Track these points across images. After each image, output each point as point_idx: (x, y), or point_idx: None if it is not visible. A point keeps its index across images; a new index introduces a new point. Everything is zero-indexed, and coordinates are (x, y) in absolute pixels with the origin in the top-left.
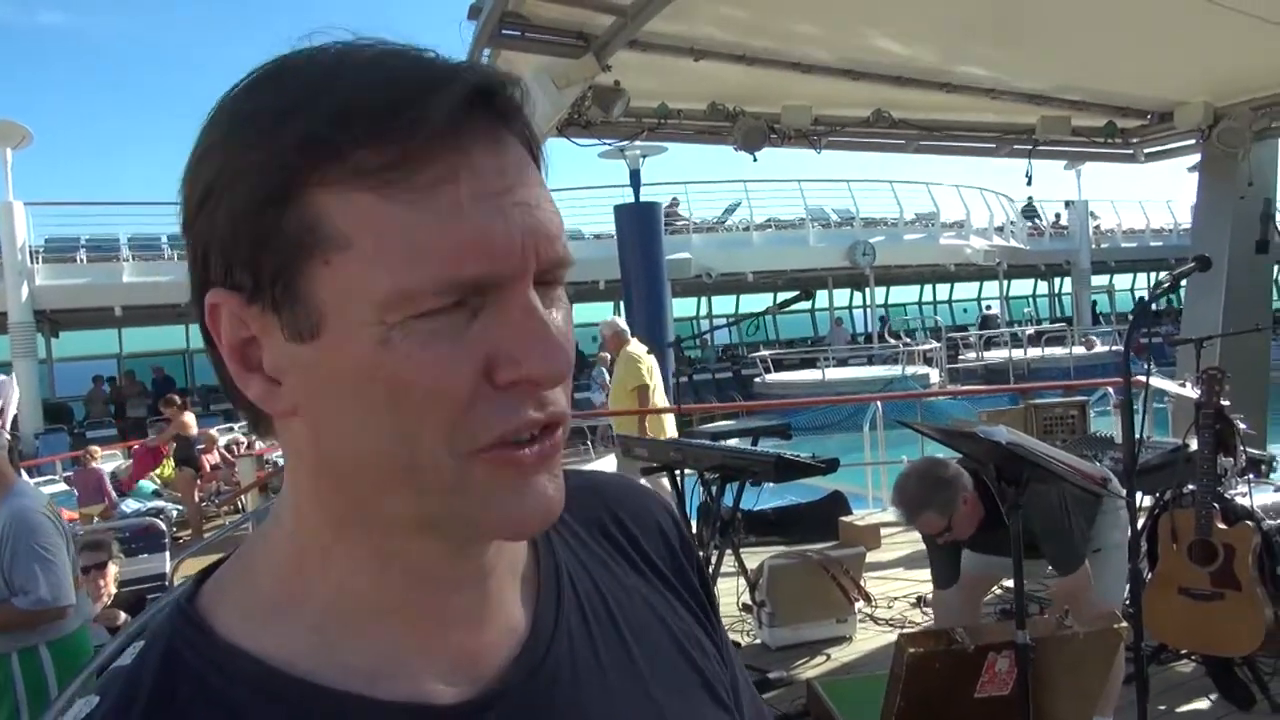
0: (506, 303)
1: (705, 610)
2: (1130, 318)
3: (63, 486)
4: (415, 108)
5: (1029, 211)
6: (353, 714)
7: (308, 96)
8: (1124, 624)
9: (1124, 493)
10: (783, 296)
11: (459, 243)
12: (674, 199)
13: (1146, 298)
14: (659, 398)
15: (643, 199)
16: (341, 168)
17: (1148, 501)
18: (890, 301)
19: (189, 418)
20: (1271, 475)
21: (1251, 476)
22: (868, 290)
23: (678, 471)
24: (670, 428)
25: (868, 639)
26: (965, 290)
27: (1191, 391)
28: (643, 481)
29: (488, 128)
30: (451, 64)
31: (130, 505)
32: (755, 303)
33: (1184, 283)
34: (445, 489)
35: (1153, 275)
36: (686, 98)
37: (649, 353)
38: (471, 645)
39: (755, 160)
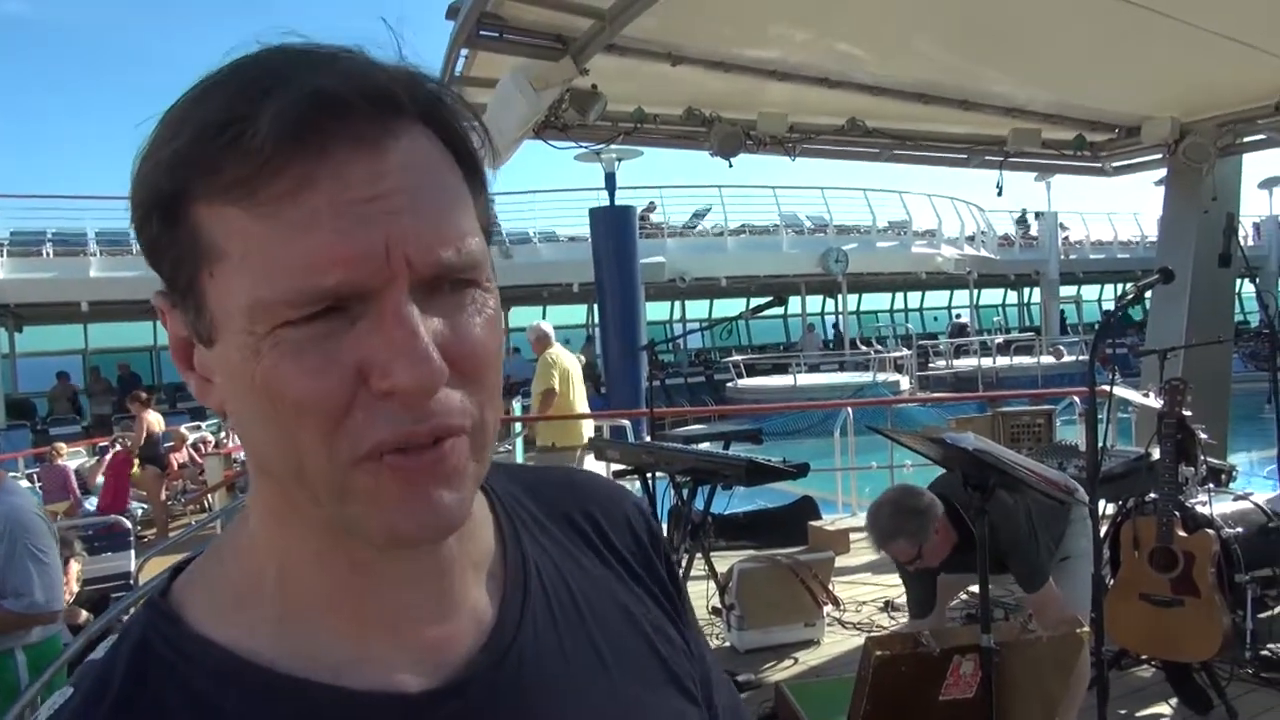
0: (379, 311)
1: (674, 604)
2: (1096, 328)
3: (25, 483)
4: (249, 121)
5: (1022, 222)
6: (321, 703)
7: (191, 110)
8: (1086, 629)
9: (1088, 500)
10: (756, 301)
11: (313, 253)
12: (650, 203)
13: (1112, 309)
14: (578, 402)
15: (618, 202)
16: (208, 183)
17: (1111, 509)
18: (862, 308)
19: (154, 415)
20: (1231, 484)
21: (1212, 485)
22: (840, 297)
23: (649, 474)
24: (588, 432)
25: (836, 643)
26: (936, 299)
27: (1155, 402)
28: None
29: (364, 131)
30: (324, 60)
31: (94, 503)
32: (729, 307)
33: (1148, 294)
34: (332, 497)
35: (1120, 286)
36: (663, 102)
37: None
38: (436, 637)
39: (731, 166)
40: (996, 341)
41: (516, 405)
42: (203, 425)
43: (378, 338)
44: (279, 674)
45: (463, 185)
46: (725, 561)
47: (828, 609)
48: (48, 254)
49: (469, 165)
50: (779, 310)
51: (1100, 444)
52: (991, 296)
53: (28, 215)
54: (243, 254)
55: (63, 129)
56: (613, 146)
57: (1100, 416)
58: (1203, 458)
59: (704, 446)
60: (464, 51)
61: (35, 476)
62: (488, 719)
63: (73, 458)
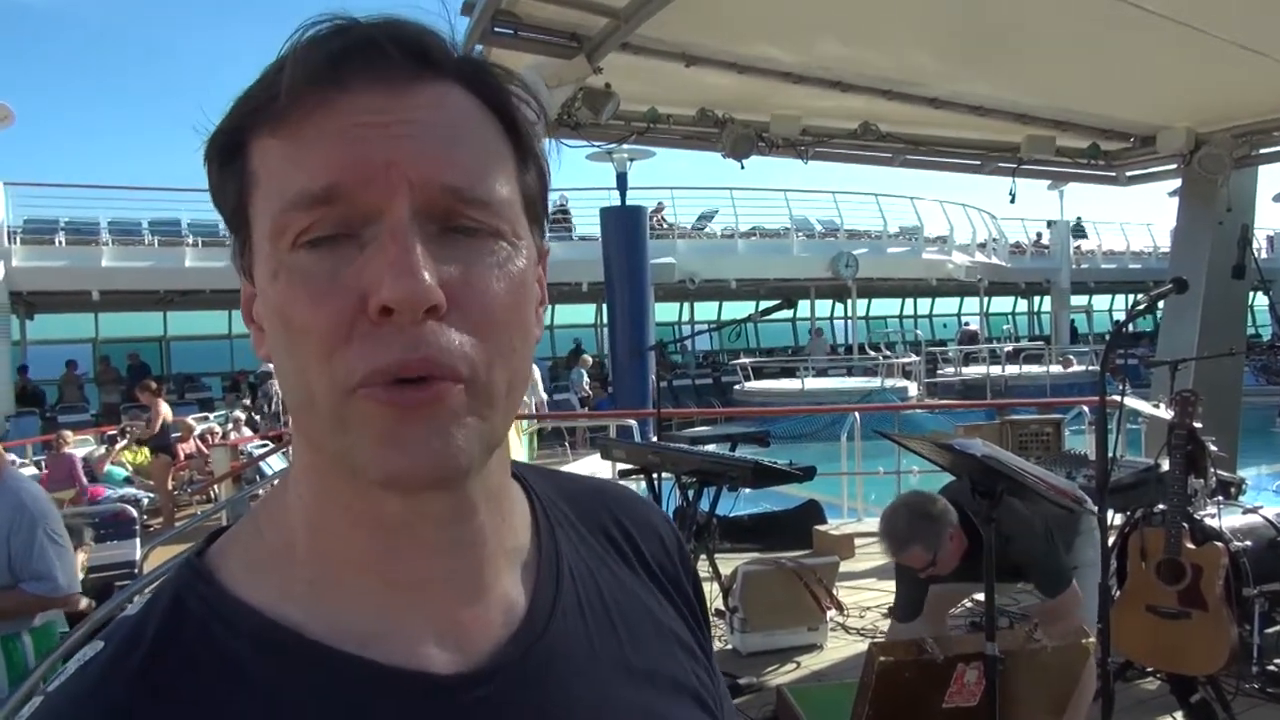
0: (382, 229)
1: (697, 620)
2: (1108, 338)
3: (33, 470)
4: (310, 60)
5: (1079, 231)
6: (347, 675)
7: (263, 77)
8: (1092, 639)
9: (1096, 509)
10: (765, 305)
11: (314, 162)
12: (660, 204)
13: (1124, 319)
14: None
15: (629, 203)
16: (254, 119)
17: (1119, 520)
18: (871, 314)
19: (163, 405)
20: (1241, 497)
21: (1221, 498)
22: (849, 302)
23: (655, 475)
24: (515, 447)
25: (839, 647)
26: (946, 305)
27: (1165, 413)
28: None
29: (386, 73)
30: (373, 22)
31: (108, 491)
32: (738, 309)
33: (1161, 305)
34: (335, 427)
35: (1131, 297)
36: (676, 103)
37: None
38: (464, 617)
39: (743, 168)
40: (1006, 350)
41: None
42: (210, 416)
43: (378, 259)
44: (306, 640)
45: (501, 142)
46: (730, 564)
47: (831, 613)
48: (60, 242)
49: (514, 133)
50: (788, 314)
51: (1109, 454)
52: (1002, 304)
53: (41, 203)
54: (268, 175)
55: (75, 118)
56: (625, 146)
57: (1109, 427)
58: (1212, 470)
59: (710, 448)
60: (478, 48)
61: (42, 464)
62: (512, 709)
63: (80, 445)
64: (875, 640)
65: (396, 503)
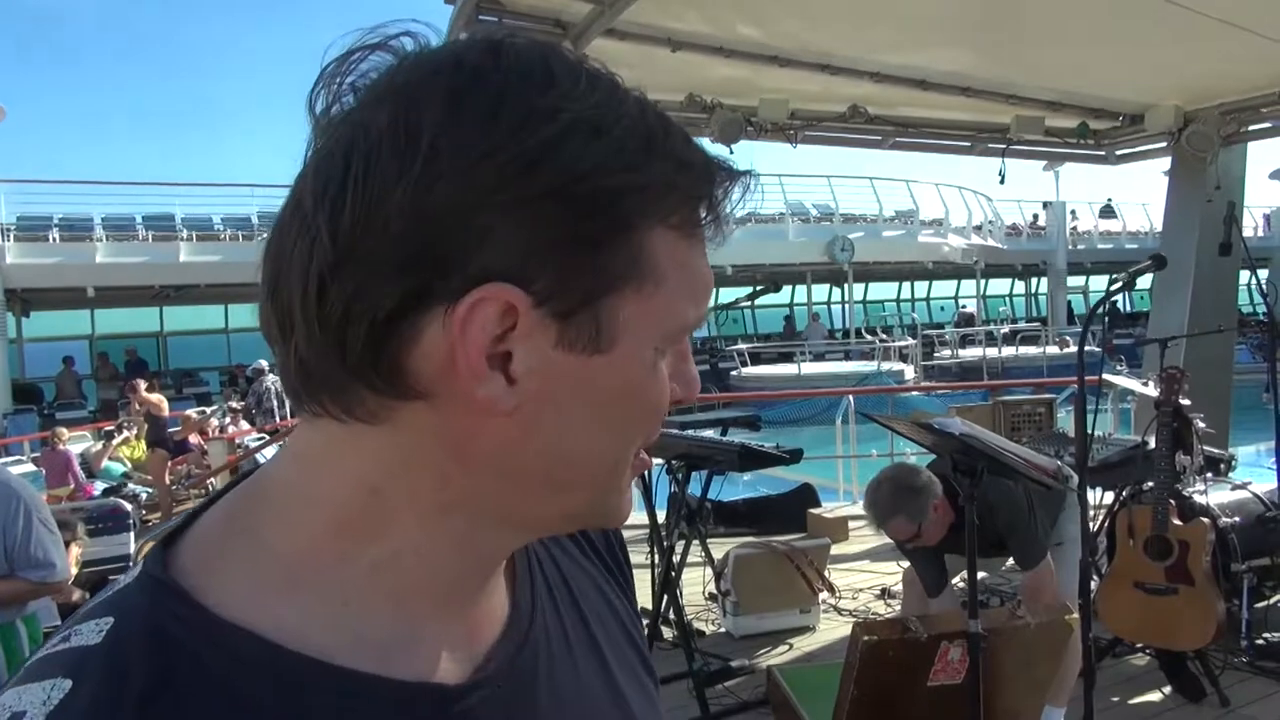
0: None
1: (629, 586)
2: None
3: (30, 467)
4: (721, 177)
5: (1107, 212)
6: (365, 695)
7: (648, 140)
8: (1075, 615)
9: (1076, 484)
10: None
11: (707, 287)
12: None
13: (1105, 296)
14: None
15: None
16: (672, 212)
17: (1109, 497)
18: (868, 298)
19: (159, 398)
20: (1231, 474)
21: (1210, 475)
22: (846, 286)
23: None
24: None
25: (831, 629)
26: (943, 288)
27: (1153, 390)
28: None
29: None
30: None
31: (100, 487)
32: (734, 295)
33: (1149, 283)
34: (612, 487)
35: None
36: (664, 89)
37: None
38: (469, 629)
39: (732, 153)
40: (1002, 331)
41: None
42: (206, 410)
43: (681, 363)
44: (323, 663)
45: None
46: (723, 548)
47: (823, 596)
48: (54, 239)
49: None
50: (785, 299)
51: (1090, 432)
52: (999, 287)
53: (34, 200)
54: (680, 280)
55: (66, 111)
56: None
57: (1091, 407)
58: (1200, 447)
59: (702, 433)
60: (463, 35)
61: (38, 461)
62: (510, 706)
63: (77, 442)
64: (859, 620)
65: (522, 537)
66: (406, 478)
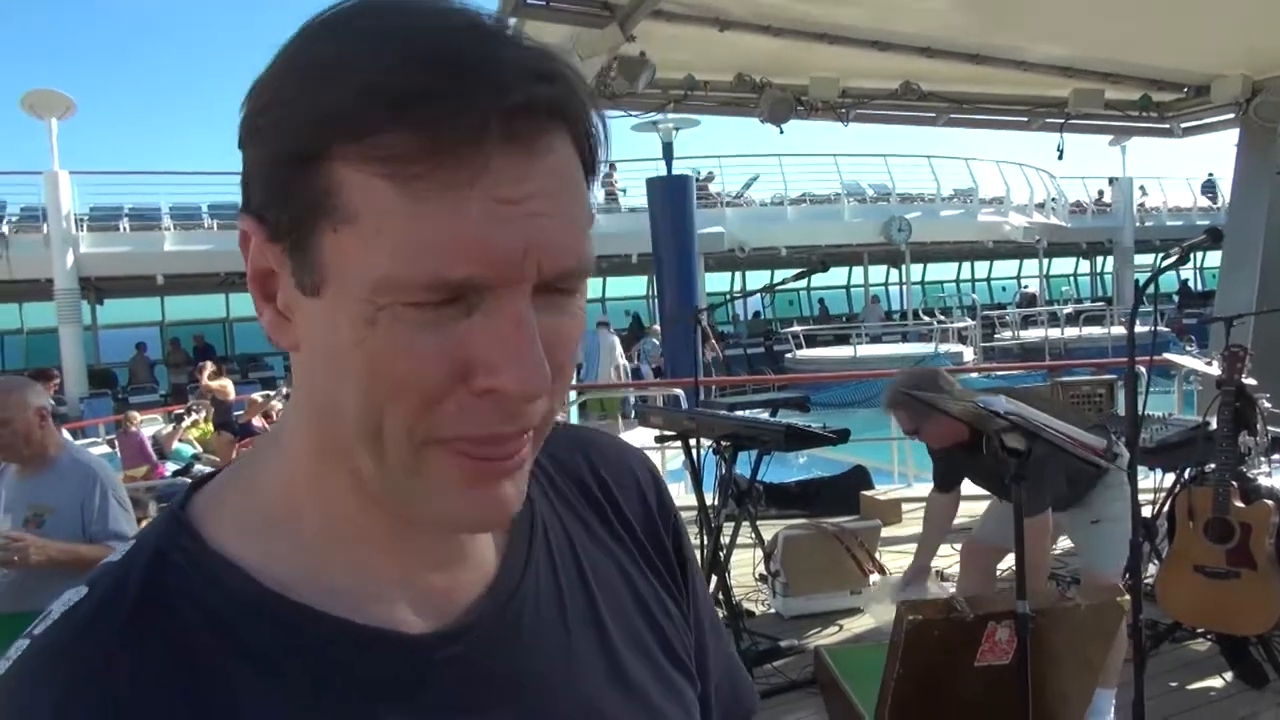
0: (499, 310)
1: (674, 573)
2: (1175, 297)
3: (106, 449)
4: (449, 102)
5: (1209, 188)
6: (331, 636)
7: (350, 59)
8: (1126, 597)
9: (1126, 465)
10: (796, 271)
11: (457, 244)
12: (709, 173)
13: (1155, 273)
14: None
15: (676, 172)
16: (364, 146)
17: (1170, 479)
18: (927, 279)
19: (226, 383)
20: None
21: (1276, 456)
22: (904, 267)
23: (691, 440)
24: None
25: (881, 611)
26: (1004, 268)
27: (1215, 369)
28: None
29: (522, 131)
30: (501, 43)
31: (171, 468)
32: (782, 277)
33: (1217, 260)
34: (401, 468)
35: (1198, 256)
36: (712, 69)
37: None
38: (447, 584)
39: (781, 133)
40: (1065, 312)
41: None
42: (271, 395)
43: (492, 336)
44: (294, 603)
45: (586, 190)
46: (775, 529)
47: (873, 577)
48: (124, 228)
49: (590, 175)
50: (841, 280)
51: (1142, 412)
52: (1063, 266)
53: (104, 191)
54: (378, 227)
55: (133, 103)
56: (669, 116)
57: (1152, 388)
58: (1265, 427)
59: (750, 414)
60: (511, 21)
61: (114, 443)
62: (484, 664)
63: (149, 425)
64: (905, 600)
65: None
66: (302, 420)
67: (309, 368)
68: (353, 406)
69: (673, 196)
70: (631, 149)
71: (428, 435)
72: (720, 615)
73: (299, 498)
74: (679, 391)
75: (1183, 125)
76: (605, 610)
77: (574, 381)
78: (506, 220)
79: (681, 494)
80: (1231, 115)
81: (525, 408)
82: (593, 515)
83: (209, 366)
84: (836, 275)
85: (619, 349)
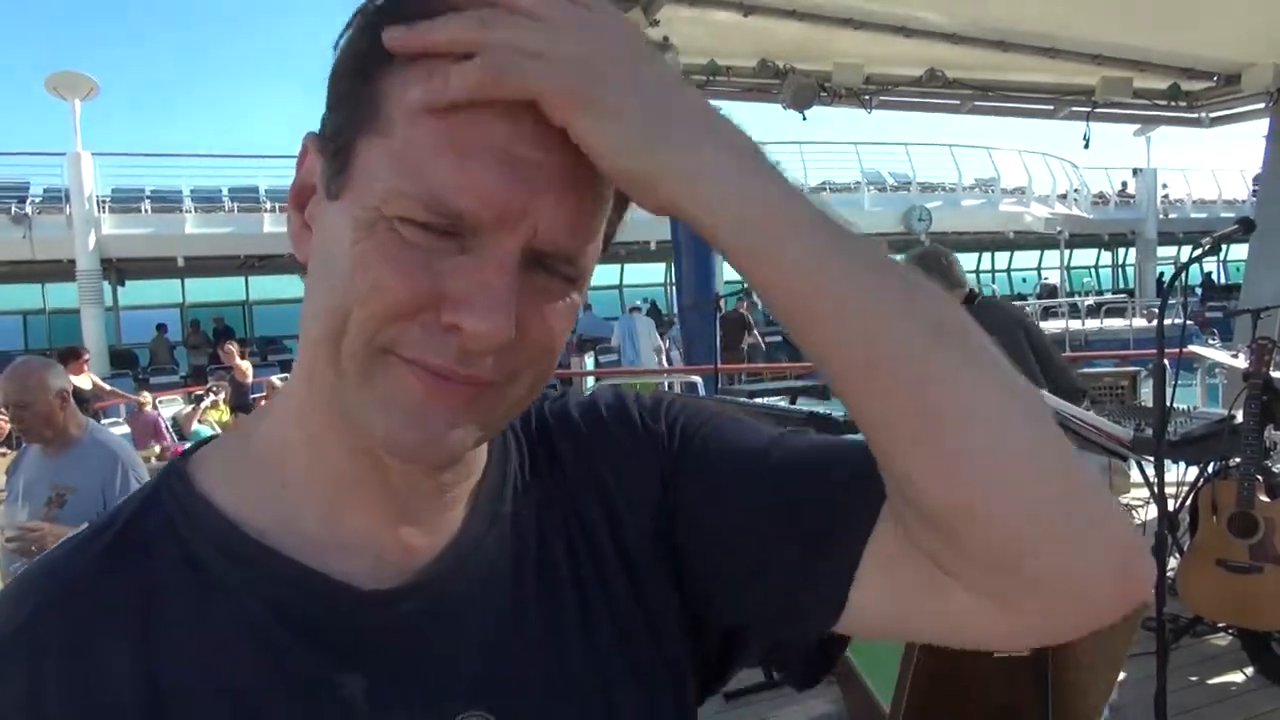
0: (488, 252)
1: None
2: (1198, 290)
3: (125, 430)
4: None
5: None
6: (282, 576)
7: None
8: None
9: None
10: None
11: (468, 178)
12: None
13: (1185, 263)
14: None
15: None
16: (415, 68)
17: (1193, 473)
18: None
19: (245, 365)
20: None
21: None
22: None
23: None
24: None
25: None
26: (1025, 259)
27: (1241, 362)
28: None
29: None
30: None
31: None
32: None
33: (1243, 252)
34: (357, 373)
35: (1225, 248)
36: (736, 54)
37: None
38: (412, 542)
39: (804, 119)
40: (1086, 303)
41: (589, 360)
42: (289, 377)
43: (471, 274)
44: (263, 545)
45: (610, 191)
46: None
47: None
48: (145, 210)
49: (605, 192)
50: None
51: (1170, 404)
52: (1084, 258)
53: (126, 173)
54: (406, 141)
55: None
56: None
57: (1183, 382)
58: None
59: (770, 401)
60: None
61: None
62: (432, 623)
63: (169, 406)
64: None
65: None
66: (300, 358)
67: (310, 281)
68: (326, 305)
69: None
70: None
71: (387, 345)
72: None
73: (286, 446)
74: (697, 379)
75: (1211, 115)
76: (569, 580)
77: (620, 367)
78: (518, 176)
79: None
80: (1262, 105)
81: (478, 355)
82: (596, 501)
83: (235, 346)
84: None
85: (655, 331)
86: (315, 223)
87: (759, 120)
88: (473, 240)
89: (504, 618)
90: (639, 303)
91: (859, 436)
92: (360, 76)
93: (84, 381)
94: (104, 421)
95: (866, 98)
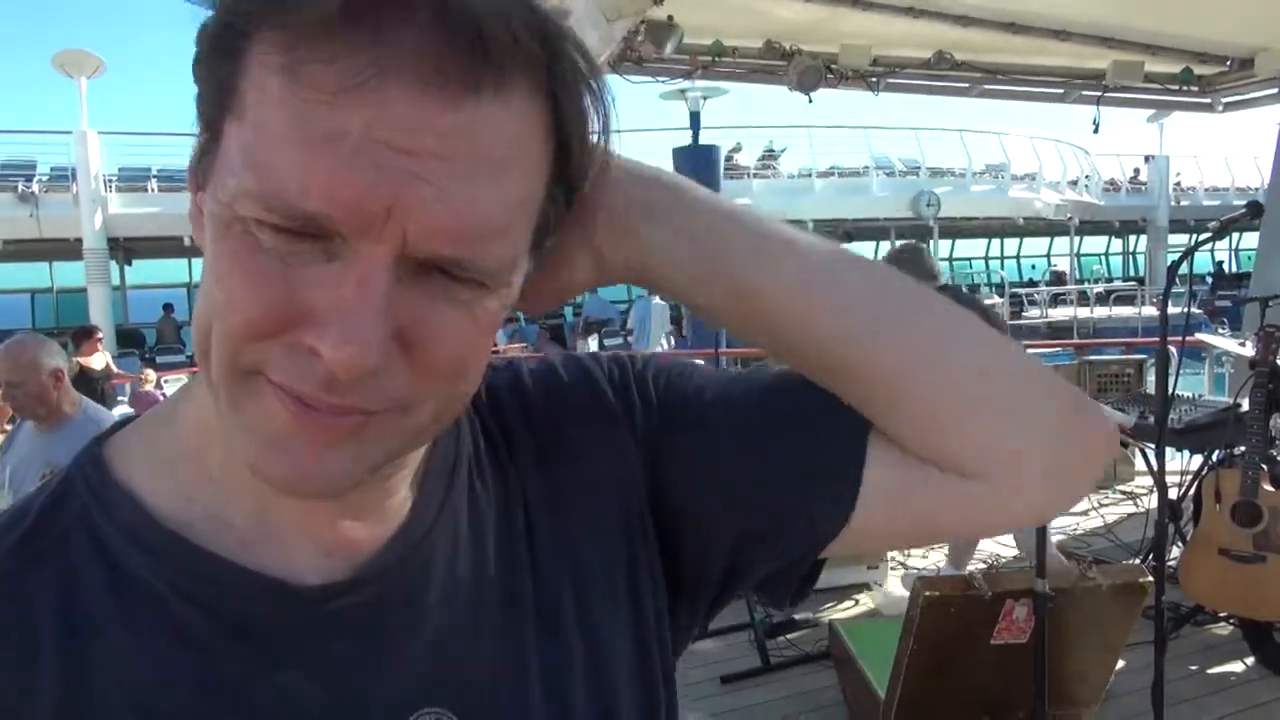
0: (351, 263)
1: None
2: (1208, 279)
3: (128, 409)
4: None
5: None
6: (210, 574)
7: None
8: (1149, 578)
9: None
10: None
11: (315, 173)
12: (737, 144)
13: (1191, 248)
14: None
15: (703, 142)
16: (269, 32)
17: (1197, 461)
18: (955, 255)
19: None
20: None
21: None
22: (931, 242)
23: None
24: None
25: (898, 586)
26: (1035, 246)
27: (1249, 350)
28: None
29: (449, 70)
30: None
31: None
32: None
33: (1253, 239)
34: (226, 397)
35: (1236, 236)
36: (742, 34)
37: None
38: (353, 535)
39: (810, 101)
40: (1095, 291)
41: (593, 343)
42: None
43: (333, 290)
44: (182, 539)
45: (538, 173)
46: None
47: (892, 553)
48: (152, 189)
49: (564, 151)
50: (868, 255)
51: (1171, 392)
52: (1095, 245)
53: (133, 152)
54: (255, 126)
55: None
56: (697, 84)
57: (1182, 369)
58: None
59: None
60: None
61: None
62: (376, 618)
63: (175, 385)
64: (923, 576)
65: None
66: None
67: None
68: (194, 318)
69: (699, 166)
70: (657, 118)
71: (253, 367)
72: None
73: (207, 432)
74: (699, 363)
75: (1224, 100)
76: (525, 565)
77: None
78: (379, 167)
79: None
80: (1275, 90)
81: (349, 383)
82: (534, 461)
83: None
84: (863, 250)
85: (668, 316)
86: (207, 212)
87: (765, 102)
88: (340, 246)
89: (456, 608)
90: None
91: None
92: (221, 47)
93: (98, 361)
94: (118, 399)
95: (874, 80)
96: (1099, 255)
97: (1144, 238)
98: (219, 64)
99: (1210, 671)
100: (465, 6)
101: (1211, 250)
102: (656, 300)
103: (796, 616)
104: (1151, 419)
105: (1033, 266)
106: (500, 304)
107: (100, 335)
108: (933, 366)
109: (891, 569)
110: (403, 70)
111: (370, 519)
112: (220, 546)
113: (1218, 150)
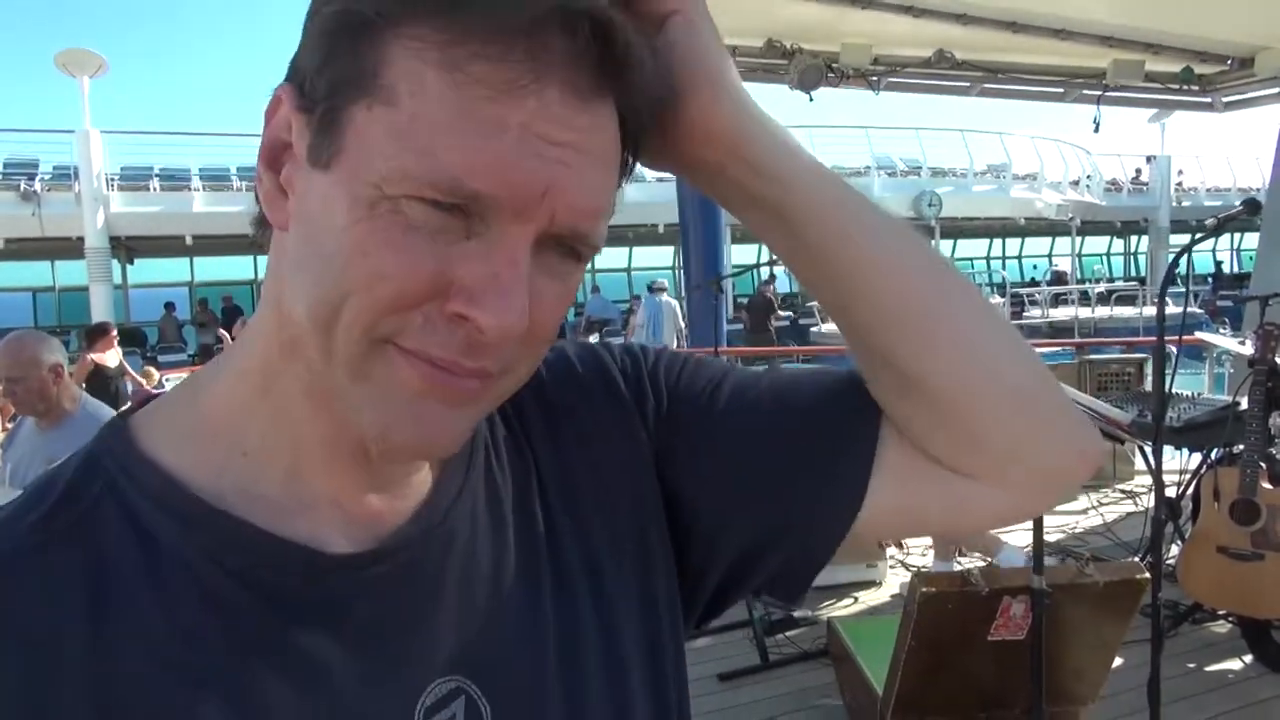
0: (498, 242)
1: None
2: (1209, 279)
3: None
4: (509, 4)
5: None
6: (243, 542)
7: None
8: (1146, 575)
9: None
10: None
11: (485, 157)
12: None
13: (1188, 246)
14: None
15: None
16: (424, 29)
17: (1196, 459)
18: (957, 255)
19: None
20: None
21: None
22: (934, 243)
23: None
24: None
25: (896, 584)
26: (1036, 246)
27: (1248, 348)
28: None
29: (583, 74)
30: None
31: None
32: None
33: (1254, 238)
34: (349, 366)
35: (1237, 236)
36: (742, 33)
37: None
38: (379, 508)
39: (811, 100)
40: (1097, 291)
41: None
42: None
43: (483, 265)
44: (214, 509)
45: (619, 166)
46: None
47: (891, 550)
48: (154, 188)
49: (629, 149)
50: None
51: (1169, 389)
52: (1096, 245)
53: (135, 151)
54: (413, 114)
55: (170, 67)
56: None
57: (1181, 369)
58: None
59: None
60: None
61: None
62: (401, 588)
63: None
64: (920, 572)
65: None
66: (267, 317)
67: (289, 250)
68: (316, 291)
69: None
70: None
71: (387, 335)
72: None
73: (241, 409)
74: (711, 358)
75: (1225, 100)
76: (543, 542)
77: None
78: (538, 155)
79: None
80: (1276, 90)
81: (491, 347)
82: (551, 444)
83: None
84: None
85: (680, 312)
86: (296, 188)
87: (766, 101)
88: (481, 224)
89: (477, 582)
90: (661, 282)
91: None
92: (357, 32)
93: (111, 359)
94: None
95: (874, 79)
96: (1100, 255)
97: (1145, 238)
98: (351, 51)
99: (1208, 669)
100: (601, 19)
101: (1213, 250)
102: (666, 298)
103: (795, 614)
104: (1150, 417)
105: (1034, 266)
106: (581, 276)
107: (114, 332)
108: (999, 391)
109: (890, 567)
110: (555, 74)
111: (395, 493)
112: (251, 516)
113: (1219, 150)
